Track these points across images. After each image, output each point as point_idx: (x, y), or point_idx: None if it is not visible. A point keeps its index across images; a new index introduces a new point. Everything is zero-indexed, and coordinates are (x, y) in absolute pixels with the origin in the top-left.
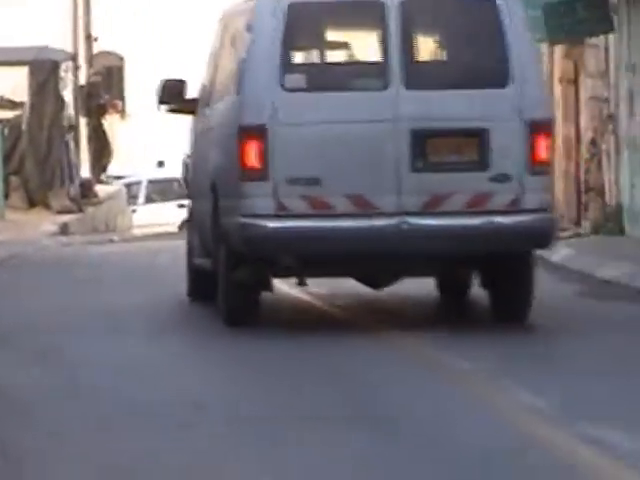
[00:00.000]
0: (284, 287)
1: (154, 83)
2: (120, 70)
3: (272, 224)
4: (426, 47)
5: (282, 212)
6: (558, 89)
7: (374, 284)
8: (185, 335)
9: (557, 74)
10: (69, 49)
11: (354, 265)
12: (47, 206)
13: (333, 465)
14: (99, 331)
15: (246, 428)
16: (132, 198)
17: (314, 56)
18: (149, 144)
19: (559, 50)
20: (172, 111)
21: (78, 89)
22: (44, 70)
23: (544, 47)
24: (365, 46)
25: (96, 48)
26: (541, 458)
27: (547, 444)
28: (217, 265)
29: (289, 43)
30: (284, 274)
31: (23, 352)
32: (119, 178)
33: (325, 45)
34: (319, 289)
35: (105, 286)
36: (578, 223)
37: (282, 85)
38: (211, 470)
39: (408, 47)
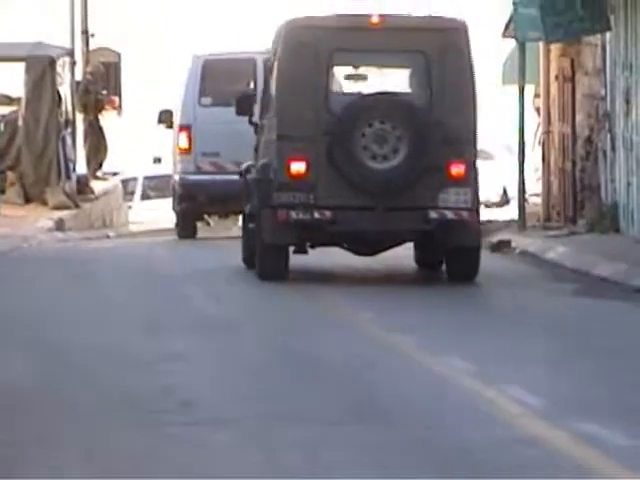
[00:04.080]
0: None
1: (150, 80)
2: (116, 66)
3: (193, 177)
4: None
5: (198, 171)
6: (554, 87)
7: None
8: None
9: (553, 72)
10: (66, 45)
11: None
12: (43, 202)
13: None
14: (91, 323)
15: None
16: (128, 194)
17: (217, 88)
18: (145, 140)
19: (556, 48)
20: (167, 127)
21: (74, 85)
22: (40, 66)
23: (540, 45)
24: (246, 82)
25: (92, 44)
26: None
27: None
28: (174, 203)
29: (203, 81)
30: (208, 210)
31: (15, 345)
32: (115, 174)
33: (223, 81)
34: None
35: (98, 280)
36: (574, 221)
37: (199, 103)
38: None
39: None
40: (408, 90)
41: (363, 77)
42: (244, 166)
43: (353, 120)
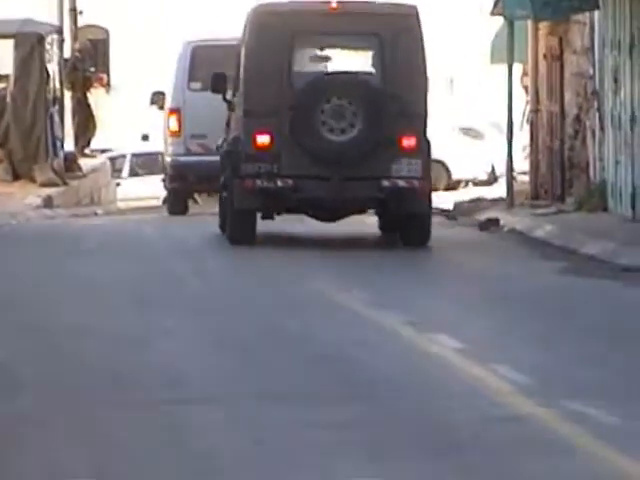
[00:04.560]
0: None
1: (138, 57)
2: (105, 43)
3: (182, 158)
4: None
5: (188, 152)
6: (543, 65)
7: None
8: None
9: (542, 50)
10: (54, 22)
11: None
12: (31, 179)
13: None
14: (79, 300)
15: None
16: (116, 171)
17: (206, 73)
18: (133, 117)
19: (544, 26)
20: (158, 108)
21: (63, 62)
22: (29, 43)
23: (529, 23)
24: (230, 67)
25: (81, 21)
26: None
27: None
28: (166, 182)
29: (193, 67)
30: (197, 189)
31: (5, 323)
32: (103, 151)
33: (212, 67)
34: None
35: (86, 257)
36: (562, 199)
37: (189, 88)
38: None
39: None
40: (365, 69)
41: (327, 58)
42: (219, 141)
43: (313, 97)
